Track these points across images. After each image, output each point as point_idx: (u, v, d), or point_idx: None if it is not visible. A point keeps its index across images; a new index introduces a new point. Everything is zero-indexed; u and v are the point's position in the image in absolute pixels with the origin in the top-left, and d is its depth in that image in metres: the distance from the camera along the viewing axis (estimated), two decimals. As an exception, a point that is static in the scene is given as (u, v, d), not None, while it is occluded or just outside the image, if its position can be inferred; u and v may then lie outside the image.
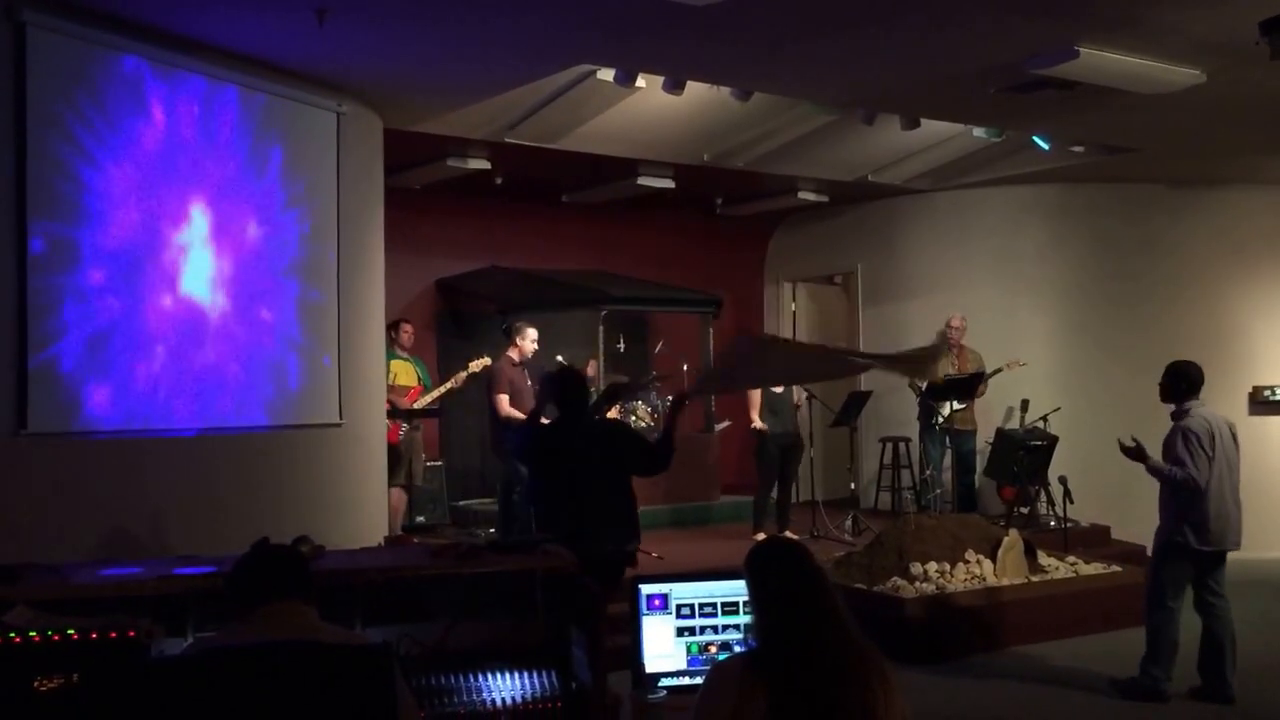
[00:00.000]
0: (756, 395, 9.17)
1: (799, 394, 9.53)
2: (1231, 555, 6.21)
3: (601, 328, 10.15)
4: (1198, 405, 6.13)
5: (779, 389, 9.20)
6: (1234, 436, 6.18)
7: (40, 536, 5.29)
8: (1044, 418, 9.93)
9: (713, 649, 3.67)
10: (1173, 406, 6.19)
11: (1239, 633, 6.14)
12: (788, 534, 8.53)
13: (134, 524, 5.89)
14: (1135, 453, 6.20)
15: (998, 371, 9.89)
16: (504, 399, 8.20)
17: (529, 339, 8.40)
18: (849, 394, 10.11)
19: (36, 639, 2.99)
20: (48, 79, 5.65)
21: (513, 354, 8.39)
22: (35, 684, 2.95)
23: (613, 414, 8.52)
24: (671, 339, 11.41)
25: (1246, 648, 6.20)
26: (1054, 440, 9.62)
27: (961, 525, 8.10)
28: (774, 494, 9.30)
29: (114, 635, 3.03)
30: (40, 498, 5.53)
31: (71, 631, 3.02)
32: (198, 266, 6.50)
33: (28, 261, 5.52)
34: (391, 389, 8.66)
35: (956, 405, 9.71)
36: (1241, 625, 6.19)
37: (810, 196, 11.18)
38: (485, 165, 9.30)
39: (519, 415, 8.14)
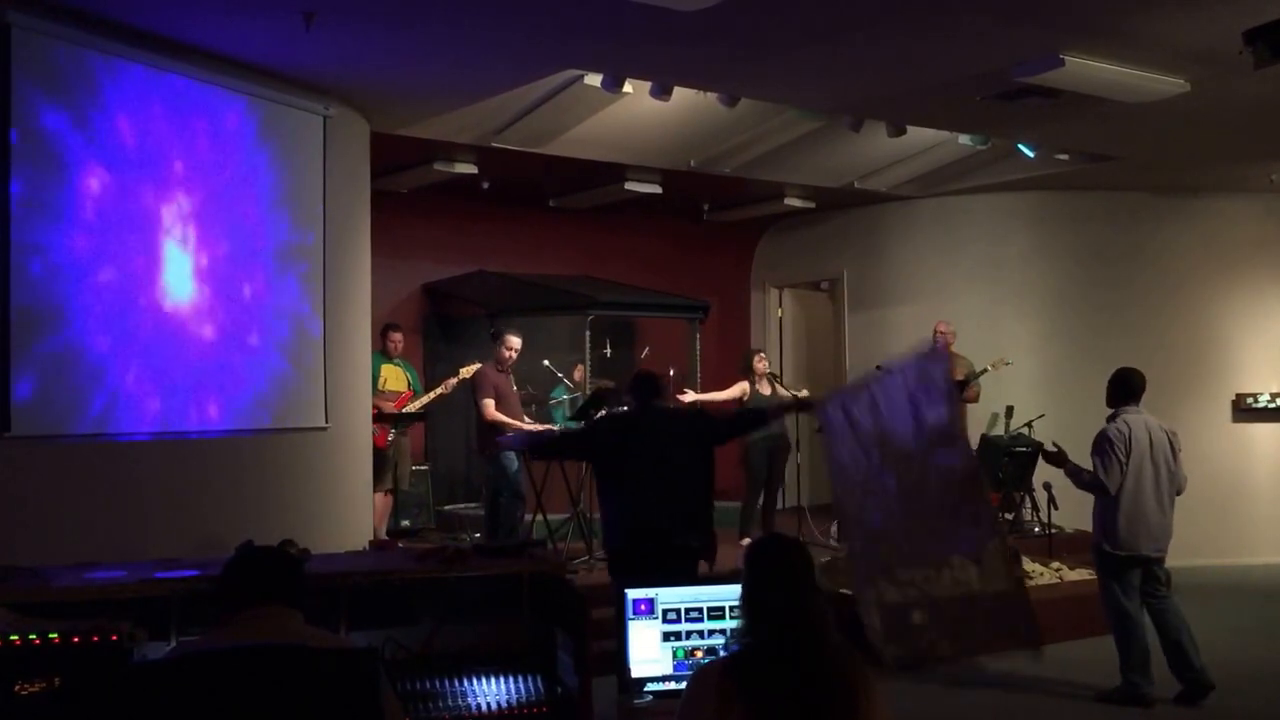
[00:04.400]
0: (741, 388, 9.20)
1: (783, 394, 9.54)
2: (1215, 562, 6.25)
3: (588, 333, 10.14)
4: (1132, 412, 6.21)
5: (766, 390, 9.21)
6: (1171, 444, 6.22)
7: (23, 540, 5.26)
8: (1028, 424, 9.95)
9: (699, 654, 3.67)
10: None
11: (1223, 639, 6.17)
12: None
13: (117, 527, 5.85)
14: (1056, 458, 6.36)
15: (983, 372, 9.92)
16: (490, 403, 8.19)
17: (511, 346, 8.40)
18: (835, 400, 10.11)
19: (18, 642, 2.98)
20: (32, 80, 5.62)
21: (498, 359, 8.39)
22: (17, 687, 2.93)
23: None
24: (658, 344, 11.41)
25: (1231, 655, 6.24)
26: (1038, 446, 9.63)
27: (946, 531, 8.11)
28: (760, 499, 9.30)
29: (97, 639, 3.02)
30: (23, 501, 5.49)
31: (54, 635, 3.00)
32: (182, 269, 6.47)
33: (10, 265, 5.49)
34: (381, 394, 8.65)
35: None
36: (1226, 632, 6.23)
37: (797, 202, 11.20)
38: (472, 169, 9.29)
39: (505, 419, 8.13)
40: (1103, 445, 6.14)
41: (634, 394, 5.79)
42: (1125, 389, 6.28)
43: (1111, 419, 6.23)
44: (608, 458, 5.56)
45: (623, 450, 5.46)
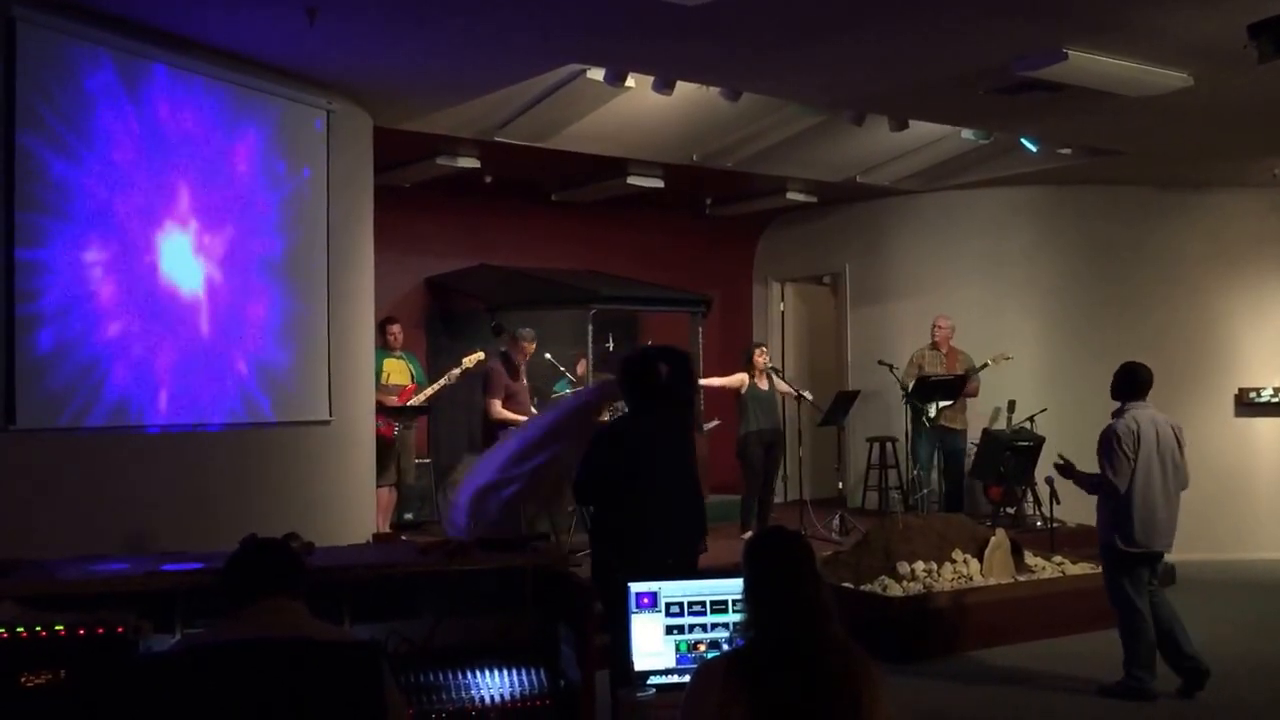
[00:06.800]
0: (740, 379, 9.24)
1: (785, 388, 9.57)
2: (1218, 556, 6.26)
3: (591, 327, 10.16)
4: (1139, 407, 6.16)
5: (764, 385, 9.25)
6: (1177, 439, 6.19)
7: (28, 533, 5.27)
8: (1030, 418, 9.97)
9: (702, 647, 3.68)
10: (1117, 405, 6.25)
11: (1224, 634, 6.19)
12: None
13: (122, 520, 5.86)
14: (1065, 470, 6.31)
15: (984, 366, 9.93)
16: (497, 403, 8.21)
17: (527, 351, 8.42)
18: (837, 394, 10.14)
19: (24, 635, 2.99)
20: (37, 74, 5.63)
21: (513, 358, 8.41)
22: (23, 680, 2.95)
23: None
24: (660, 338, 11.41)
25: (1231, 650, 6.25)
26: (1040, 441, 9.66)
27: (948, 525, 8.13)
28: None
29: (102, 631, 3.04)
30: (28, 494, 5.51)
31: (59, 627, 3.02)
32: (186, 263, 6.48)
33: (14, 259, 5.50)
34: (384, 388, 8.65)
35: (943, 404, 9.75)
36: (1226, 627, 6.25)
37: (799, 197, 11.20)
38: (475, 164, 9.29)
39: (512, 417, 8.15)
40: (1110, 443, 6.07)
41: (641, 391, 5.07)
42: (1132, 383, 6.21)
43: (1118, 414, 6.18)
44: (627, 476, 4.96)
45: (649, 465, 4.96)
